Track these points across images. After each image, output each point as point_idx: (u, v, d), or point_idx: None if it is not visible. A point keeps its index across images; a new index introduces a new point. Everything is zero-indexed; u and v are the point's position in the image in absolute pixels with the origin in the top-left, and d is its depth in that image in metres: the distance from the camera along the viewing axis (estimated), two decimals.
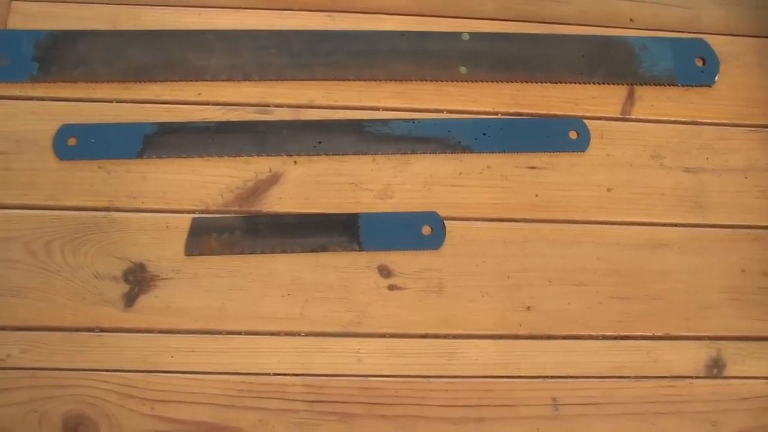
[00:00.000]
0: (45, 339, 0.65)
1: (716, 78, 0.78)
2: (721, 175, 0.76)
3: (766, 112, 0.78)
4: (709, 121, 0.78)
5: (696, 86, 0.78)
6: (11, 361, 0.64)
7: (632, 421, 0.68)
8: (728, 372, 0.70)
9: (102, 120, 0.72)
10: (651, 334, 0.70)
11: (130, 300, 0.67)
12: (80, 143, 0.70)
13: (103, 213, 0.69)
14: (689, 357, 0.70)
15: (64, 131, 0.71)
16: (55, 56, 0.73)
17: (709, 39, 0.80)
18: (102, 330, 0.66)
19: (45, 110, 0.72)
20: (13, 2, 0.75)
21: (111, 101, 0.73)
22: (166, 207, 0.70)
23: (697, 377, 0.69)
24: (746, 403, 0.69)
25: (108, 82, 0.73)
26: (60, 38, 0.74)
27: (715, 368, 0.70)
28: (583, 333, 0.70)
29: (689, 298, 0.71)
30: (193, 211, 0.70)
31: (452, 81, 0.76)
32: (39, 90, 0.73)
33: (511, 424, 0.67)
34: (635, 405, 0.68)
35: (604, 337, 0.70)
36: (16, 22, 0.75)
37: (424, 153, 0.73)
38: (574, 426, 0.67)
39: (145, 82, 0.74)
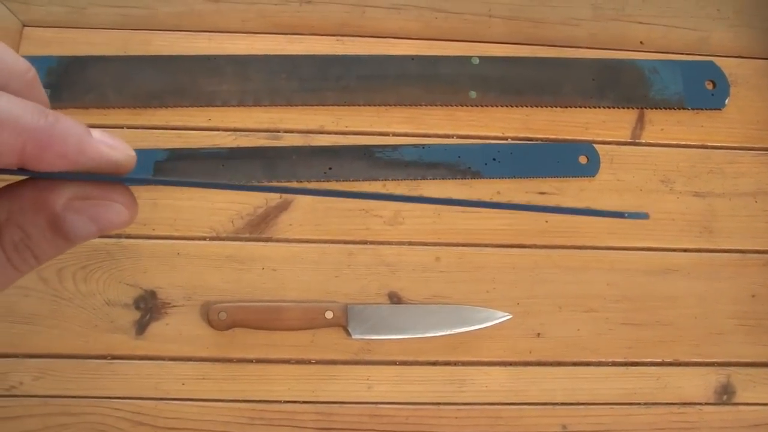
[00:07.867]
0: (57, 366, 0.66)
1: (726, 101, 0.78)
2: (730, 200, 0.75)
3: None
4: (718, 144, 0.77)
5: (706, 110, 0.78)
6: (23, 389, 0.65)
7: None
8: (738, 398, 0.69)
9: None
10: (660, 360, 0.70)
11: (141, 327, 0.67)
12: None
13: (114, 240, 0.69)
14: (699, 383, 0.70)
15: None
16: (67, 83, 0.73)
17: (719, 61, 0.80)
18: (113, 357, 0.66)
19: None
20: (26, 28, 0.75)
21: (122, 127, 0.73)
22: (176, 234, 0.70)
23: (707, 404, 0.69)
24: (756, 430, 0.69)
25: (119, 107, 0.73)
26: (71, 64, 0.74)
27: (725, 395, 0.69)
28: (593, 359, 0.70)
29: (699, 323, 0.71)
30: (203, 238, 0.70)
31: (462, 106, 0.76)
32: None
33: None
34: None
35: (614, 364, 0.70)
36: (28, 49, 0.75)
37: (434, 179, 0.73)
38: None
39: (155, 107, 0.74)
